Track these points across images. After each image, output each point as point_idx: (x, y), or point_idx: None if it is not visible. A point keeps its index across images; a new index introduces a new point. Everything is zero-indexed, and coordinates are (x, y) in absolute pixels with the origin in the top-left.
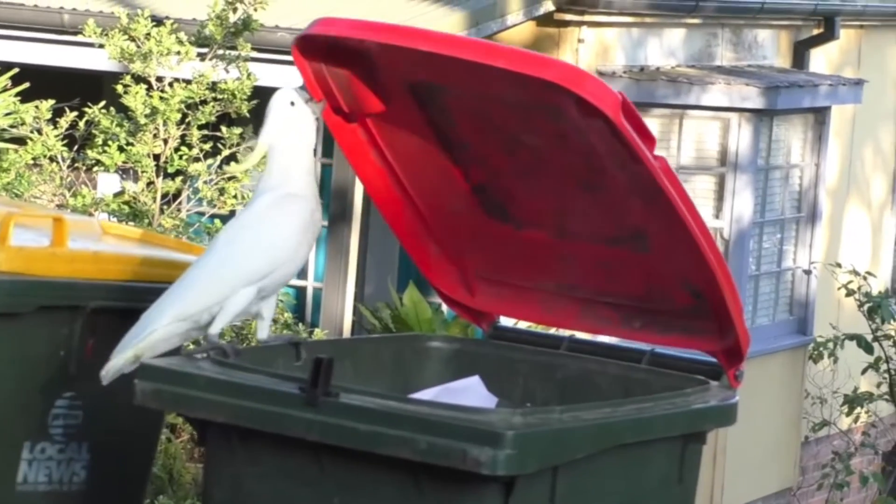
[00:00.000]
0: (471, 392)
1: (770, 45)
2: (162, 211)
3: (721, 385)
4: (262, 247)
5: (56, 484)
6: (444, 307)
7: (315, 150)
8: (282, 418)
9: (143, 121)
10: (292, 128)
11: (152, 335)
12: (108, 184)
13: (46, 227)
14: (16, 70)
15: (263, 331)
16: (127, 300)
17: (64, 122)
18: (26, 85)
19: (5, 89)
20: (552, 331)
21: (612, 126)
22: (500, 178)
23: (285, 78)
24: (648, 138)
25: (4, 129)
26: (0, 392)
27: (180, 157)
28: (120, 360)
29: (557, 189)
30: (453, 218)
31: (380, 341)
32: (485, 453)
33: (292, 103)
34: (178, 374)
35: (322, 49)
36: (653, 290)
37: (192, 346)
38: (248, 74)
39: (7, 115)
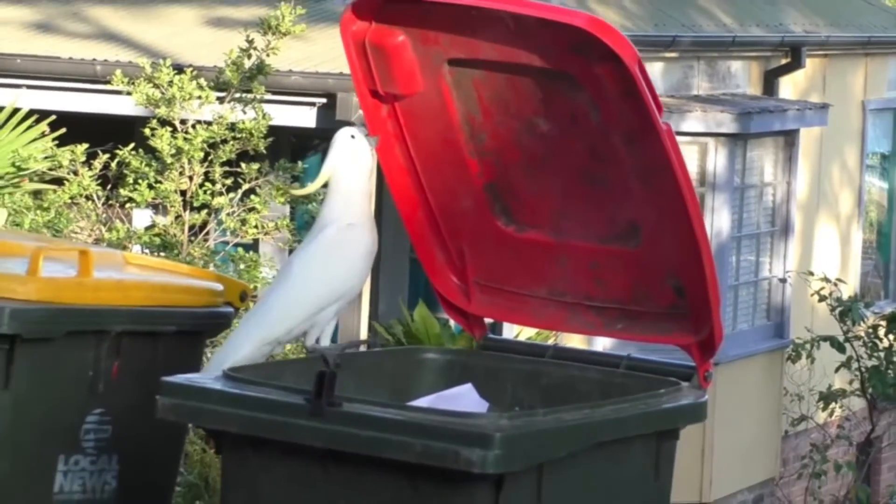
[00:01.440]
0: (464, 398)
1: (742, 75)
2: (190, 241)
3: (692, 385)
4: (331, 275)
5: (89, 493)
6: (452, 322)
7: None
8: (289, 427)
9: (169, 160)
10: (352, 158)
11: (241, 357)
12: (141, 218)
13: (73, 260)
14: (53, 117)
15: (327, 338)
16: (149, 324)
17: (98, 164)
18: (63, 131)
19: (44, 135)
20: (551, 338)
21: (628, 80)
22: (509, 174)
23: (298, 117)
24: (658, 103)
25: (44, 172)
26: (35, 411)
27: (204, 192)
28: None
29: (560, 185)
30: (462, 220)
31: (380, 354)
32: (475, 454)
33: (353, 136)
34: (194, 389)
35: (371, 17)
36: (637, 290)
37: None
38: (264, 114)
39: (46, 158)
